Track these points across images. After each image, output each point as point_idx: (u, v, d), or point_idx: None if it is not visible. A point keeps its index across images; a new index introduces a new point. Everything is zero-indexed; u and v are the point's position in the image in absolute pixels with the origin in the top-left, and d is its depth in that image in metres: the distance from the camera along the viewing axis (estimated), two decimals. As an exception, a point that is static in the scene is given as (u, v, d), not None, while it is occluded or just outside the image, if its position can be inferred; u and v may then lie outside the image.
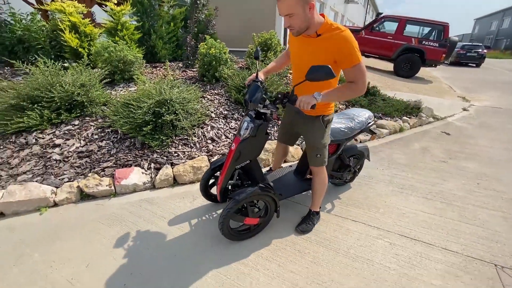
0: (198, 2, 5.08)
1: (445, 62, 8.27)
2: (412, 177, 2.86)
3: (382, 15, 9.03)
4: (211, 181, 2.21)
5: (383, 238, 1.99)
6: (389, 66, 9.30)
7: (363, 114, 2.26)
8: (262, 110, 1.60)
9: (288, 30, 1.56)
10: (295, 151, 3.18)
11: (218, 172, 2.09)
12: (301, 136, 2.11)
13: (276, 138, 3.34)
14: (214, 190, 2.25)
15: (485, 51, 15.18)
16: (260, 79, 1.69)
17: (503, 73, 12.54)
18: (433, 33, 8.39)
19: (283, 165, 2.60)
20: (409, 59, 8.38)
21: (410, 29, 8.71)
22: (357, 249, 1.87)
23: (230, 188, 1.93)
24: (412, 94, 6.08)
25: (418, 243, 1.95)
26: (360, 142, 3.73)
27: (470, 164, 3.19)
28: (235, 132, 3.36)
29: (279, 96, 1.56)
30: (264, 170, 2.44)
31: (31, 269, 1.65)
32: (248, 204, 1.80)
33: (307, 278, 1.64)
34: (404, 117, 4.50)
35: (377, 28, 8.86)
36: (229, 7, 8.03)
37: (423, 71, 10.53)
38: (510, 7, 35.18)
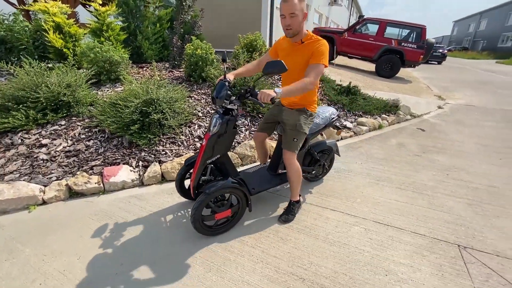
0: (184, 3, 5.15)
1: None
2: (388, 170, 3.06)
3: (363, 18, 9.36)
4: (187, 178, 2.25)
5: (359, 224, 2.16)
6: (371, 67, 9.64)
7: (327, 111, 2.42)
8: (229, 106, 1.75)
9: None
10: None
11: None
12: (279, 132, 2.21)
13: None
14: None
15: (445, 51, 18.47)
16: (228, 79, 1.83)
17: (480, 73, 13.22)
18: (412, 35, 8.77)
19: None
20: (389, 60, 8.73)
21: (390, 31, 9.07)
22: (335, 235, 2.03)
23: (203, 184, 1.99)
24: (392, 93, 6.38)
25: (390, 228, 2.13)
26: (341, 139, 3.92)
27: (441, 158, 3.44)
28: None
29: (242, 91, 1.74)
30: (253, 165, 2.54)
31: (23, 263, 1.71)
32: (219, 198, 1.89)
33: (288, 262, 1.77)
34: (383, 115, 4.75)
35: (359, 30, 9.17)
36: (216, 8, 8.12)
37: (404, 72, 10.97)
38: (487, 10, 36.95)
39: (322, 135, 2.71)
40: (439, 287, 1.63)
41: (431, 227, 2.16)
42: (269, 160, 2.47)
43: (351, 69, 9.20)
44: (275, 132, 2.35)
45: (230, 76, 1.90)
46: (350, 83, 5.26)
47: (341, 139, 3.94)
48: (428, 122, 4.96)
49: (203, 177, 1.98)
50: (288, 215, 2.16)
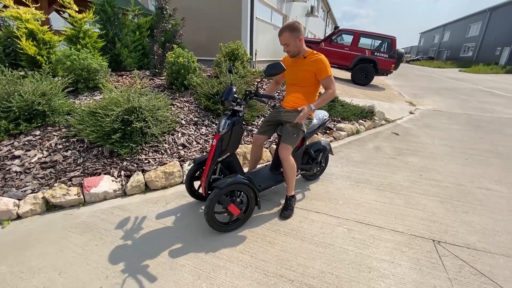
0: (164, 12, 5.15)
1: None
2: (367, 172, 3.21)
3: (339, 29, 9.83)
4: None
5: (342, 225, 2.25)
6: (348, 75, 10.09)
7: (320, 113, 2.70)
8: (236, 108, 1.98)
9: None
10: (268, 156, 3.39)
11: (200, 171, 2.33)
12: (279, 132, 2.40)
13: (246, 143, 3.53)
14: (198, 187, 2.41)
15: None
16: (233, 86, 2.03)
17: (445, 81, 14.23)
18: (383, 45, 9.33)
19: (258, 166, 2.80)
20: (364, 68, 9.20)
21: (364, 41, 9.59)
22: (320, 236, 2.10)
23: (213, 182, 2.09)
24: (367, 100, 6.71)
25: (371, 227, 2.24)
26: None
27: (414, 159, 3.67)
28: (206, 138, 3.47)
29: (247, 92, 2.03)
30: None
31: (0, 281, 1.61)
32: (229, 194, 2.00)
33: (277, 265, 1.81)
34: (360, 121, 4.98)
35: (335, 40, 9.61)
36: (196, 17, 8.17)
37: (377, 79, 11.58)
38: (449, 23, 40.04)
39: (317, 134, 3.00)
40: (418, 280, 1.73)
41: (408, 225, 2.29)
42: (269, 162, 2.67)
43: (329, 77, 9.56)
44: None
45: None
46: (328, 90, 5.47)
47: (334, 139, 4.15)
48: (401, 126, 5.26)
49: (213, 176, 2.12)
50: (287, 211, 2.31)
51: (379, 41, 9.45)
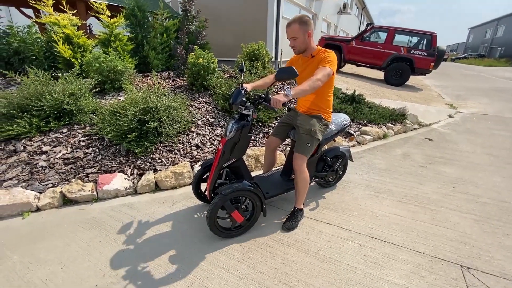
0: (188, 14, 5.26)
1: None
2: (390, 182, 2.93)
3: (371, 26, 9.27)
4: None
5: (353, 240, 2.05)
6: (380, 75, 9.48)
7: (339, 117, 2.45)
8: (244, 112, 1.86)
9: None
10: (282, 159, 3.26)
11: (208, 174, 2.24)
12: (291, 137, 2.27)
13: (260, 145, 3.43)
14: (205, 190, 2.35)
15: None
16: (245, 88, 1.92)
17: (496, 81, 12.73)
18: (422, 43, 8.59)
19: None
20: (398, 68, 8.56)
21: (400, 39, 8.93)
22: (327, 251, 1.93)
23: (218, 187, 2.03)
24: (400, 101, 6.21)
25: (387, 244, 2.01)
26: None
27: (448, 169, 3.27)
28: (220, 139, 3.44)
29: (256, 97, 1.88)
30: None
31: (9, 270, 1.71)
32: (234, 200, 1.94)
33: (274, 279, 1.69)
34: (389, 124, 4.60)
35: (367, 38, 9.07)
36: (223, 19, 8.27)
37: (415, 79, 10.73)
38: (504, 16, 35.90)
39: (335, 140, 2.75)
40: (436, 312, 1.50)
41: (432, 245, 2.02)
42: (282, 166, 2.50)
43: (359, 77, 9.09)
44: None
45: (248, 87, 2.00)
46: (354, 91, 5.17)
47: (357, 143, 3.91)
48: (437, 131, 4.77)
49: (219, 181, 2.06)
50: (291, 222, 2.14)
51: (417, 38, 8.72)
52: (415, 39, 8.80)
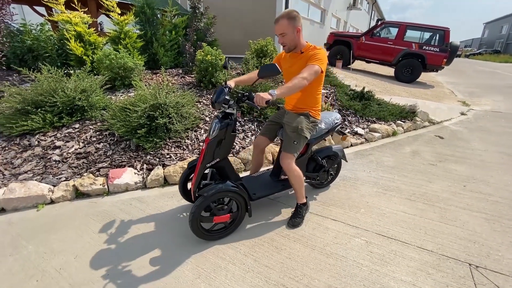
0: (197, 11, 5.28)
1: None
2: (398, 179, 2.90)
3: (382, 21, 9.10)
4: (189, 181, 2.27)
5: (360, 236, 2.05)
6: (391, 71, 9.32)
7: (330, 116, 2.37)
8: (227, 111, 1.80)
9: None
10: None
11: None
12: (280, 136, 2.22)
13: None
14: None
15: None
16: (228, 86, 1.90)
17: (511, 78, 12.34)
18: (434, 38, 8.38)
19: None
20: (409, 64, 8.40)
21: (411, 34, 8.73)
22: (333, 247, 1.94)
23: (203, 187, 1.97)
24: (410, 98, 6.10)
25: (394, 241, 2.00)
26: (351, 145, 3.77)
27: (459, 167, 3.21)
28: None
29: (239, 95, 1.78)
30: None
31: (25, 259, 1.78)
32: (217, 202, 1.87)
33: (280, 273, 1.71)
34: (398, 121, 4.54)
35: (378, 34, 8.92)
36: (231, 16, 8.26)
37: (427, 76, 10.49)
38: (521, 11, 34.59)
39: (325, 140, 2.62)
40: (442, 309, 1.49)
41: (440, 243, 2.00)
42: (272, 166, 2.45)
43: (369, 74, 8.95)
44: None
45: (231, 83, 1.97)
46: (363, 88, 5.10)
47: (351, 145, 3.81)
48: (448, 129, 4.67)
49: (204, 181, 1.99)
50: (296, 219, 2.13)
51: (429, 34, 8.51)
52: (427, 35, 8.59)
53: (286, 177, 2.20)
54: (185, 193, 2.26)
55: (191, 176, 2.20)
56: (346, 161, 2.70)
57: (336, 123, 2.37)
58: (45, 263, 1.76)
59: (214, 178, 2.05)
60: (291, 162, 1.99)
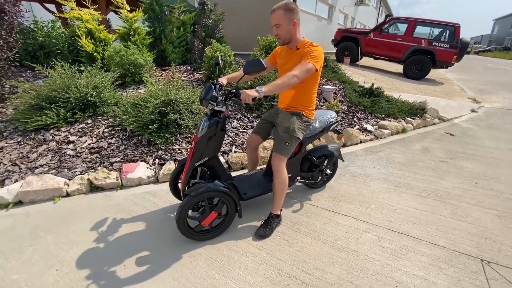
0: (205, 7, 5.29)
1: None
2: (409, 176, 2.89)
3: (390, 17, 8.98)
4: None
5: (371, 231, 2.06)
6: (399, 68, 9.21)
7: (325, 114, 2.31)
8: (216, 108, 1.74)
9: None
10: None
11: None
12: (272, 135, 2.15)
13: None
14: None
15: None
16: (220, 83, 1.84)
17: (522, 75, 12.09)
18: (444, 34, 8.25)
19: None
20: (418, 60, 8.29)
21: (420, 31, 8.61)
22: (344, 241, 1.95)
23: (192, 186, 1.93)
24: (420, 95, 6.03)
25: (405, 237, 2.01)
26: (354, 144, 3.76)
27: (470, 164, 3.18)
28: (236, 131, 3.50)
29: (226, 92, 1.72)
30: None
31: (44, 249, 1.84)
32: (206, 202, 1.83)
33: (293, 265, 1.74)
34: (408, 118, 4.50)
35: (386, 30, 8.81)
36: (238, 12, 8.25)
37: (436, 73, 10.35)
38: (533, 6, 33.73)
39: (319, 139, 2.50)
40: (456, 303, 1.50)
41: (452, 239, 2.00)
42: (265, 166, 2.38)
43: (377, 71, 8.87)
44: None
45: (223, 80, 1.92)
46: (372, 84, 5.07)
47: (344, 146, 3.66)
48: (459, 126, 4.62)
49: (193, 180, 1.95)
50: (266, 229, 1.99)
51: (439, 30, 8.38)
52: (437, 31, 8.47)
53: None
54: (175, 191, 2.21)
55: (181, 175, 2.10)
56: (343, 160, 2.66)
57: (331, 121, 2.31)
58: (64, 253, 1.82)
59: (204, 177, 2.00)
60: (281, 164, 1.92)
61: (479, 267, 1.76)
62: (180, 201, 2.15)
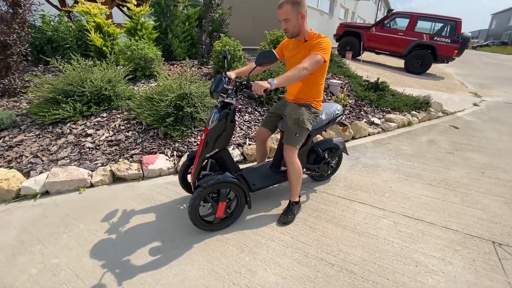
0: (212, 1, 5.31)
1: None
2: (418, 166, 3.00)
3: (393, 12, 9.04)
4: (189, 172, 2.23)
5: (387, 218, 2.17)
6: (400, 63, 9.30)
7: (331, 106, 2.36)
8: (226, 100, 1.77)
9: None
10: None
11: None
12: (280, 128, 2.19)
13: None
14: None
15: None
16: (228, 76, 1.88)
17: (520, 69, 12.26)
18: (445, 29, 8.35)
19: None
20: (420, 55, 8.38)
21: (422, 25, 8.69)
22: (363, 226, 2.06)
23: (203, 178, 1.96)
24: (422, 89, 6.14)
25: (420, 222, 2.12)
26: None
27: (476, 155, 3.30)
28: (249, 125, 3.58)
29: (237, 84, 1.77)
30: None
31: (79, 236, 1.92)
32: (219, 193, 1.86)
33: (317, 248, 1.84)
34: (413, 112, 4.61)
35: (388, 25, 8.87)
36: (243, 6, 8.24)
37: (436, 68, 10.46)
38: (530, 1, 33.88)
39: (325, 131, 2.53)
40: (472, 280, 1.62)
41: (464, 223, 2.12)
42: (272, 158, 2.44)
43: (378, 65, 8.95)
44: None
45: (232, 74, 1.95)
46: (378, 78, 5.16)
47: (353, 138, 3.76)
48: (462, 119, 4.74)
49: (203, 172, 1.99)
50: (287, 216, 2.08)
51: (441, 24, 8.47)
52: (438, 26, 8.56)
53: (286, 168, 2.16)
54: (185, 184, 2.25)
55: (191, 168, 2.16)
56: (347, 153, 2.73)
57: (337, 113, 2.35)
58: (97, 239, 1.90)
59: (214, 169, 2.04)
60: (293, 155, 1.98)
61: (491, 249, 1.87)
62: (191, 194, 2.19)
